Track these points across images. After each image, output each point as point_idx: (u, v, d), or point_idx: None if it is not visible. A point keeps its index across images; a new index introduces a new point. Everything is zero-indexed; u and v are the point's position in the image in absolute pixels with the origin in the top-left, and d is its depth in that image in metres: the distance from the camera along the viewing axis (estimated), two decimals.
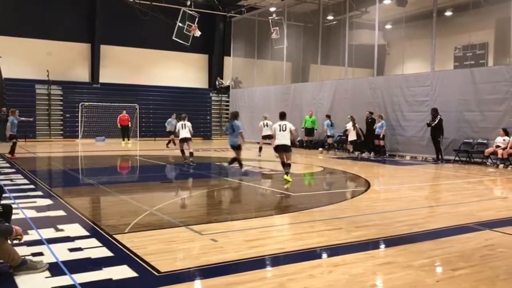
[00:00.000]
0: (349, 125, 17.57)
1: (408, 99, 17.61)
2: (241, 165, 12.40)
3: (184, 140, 14.35)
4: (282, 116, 11.41)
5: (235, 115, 12.52)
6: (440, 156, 16.00)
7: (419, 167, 14.90)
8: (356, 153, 17.72)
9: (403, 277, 4.36)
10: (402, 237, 5.86)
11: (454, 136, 16.06)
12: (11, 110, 15.99)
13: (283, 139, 11.00)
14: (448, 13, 23.94)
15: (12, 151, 15.38)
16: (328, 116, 19.98)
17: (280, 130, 11.07)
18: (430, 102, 16.73)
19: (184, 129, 14.29)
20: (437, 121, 15.73)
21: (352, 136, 17.62)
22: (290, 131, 11.07)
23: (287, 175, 10.86)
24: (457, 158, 15.79)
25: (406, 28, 22.11)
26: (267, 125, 15.91)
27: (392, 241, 5.65)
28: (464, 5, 21.89)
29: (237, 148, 12.22)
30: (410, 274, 4.44)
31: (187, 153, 14.41)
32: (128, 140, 24.31)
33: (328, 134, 19.96)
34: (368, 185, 10.57)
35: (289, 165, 11.02)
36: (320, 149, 20.13)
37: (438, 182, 11.78)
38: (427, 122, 16.23)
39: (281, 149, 11.11)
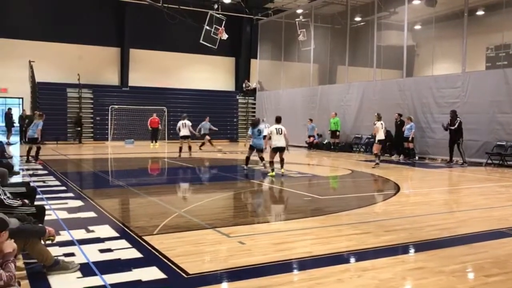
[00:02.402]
0: (378, 123, 15.17)
1: (438, 100, 17.28)
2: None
3: (184, 137, 16.72)
4: (278, 120, 12.69)
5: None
6: (463, 159, 15.69)
7: (449, 170, 14.59)
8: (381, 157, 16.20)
9: (434, 283, 4.27)
10: (432, 241, 5.75)
11: (486, 139, 15.66)
12: (39, 114, 15.56)
13: (280, 142, 12.19)
14: (480, 12, 23.40)
15: (37, 156, 14.92)
16: (311, 120, 22.27)
17: (277, 133, 12.23)
18: (461, 104, 16.37)
19: (185, 128, 16.55)
20: (457, 124, 15.43)
21: (380, 135, 15.41)
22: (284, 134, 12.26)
23: (282, 169, 12.37)
24: (489, 161, 15.40)
25: (436, 28, 21.71)
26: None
27: (422, 246, 5.54)
28: (497, 4, 21.37)
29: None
30: (442, 280, 4.34)
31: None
32: (156, 142, 24.65)
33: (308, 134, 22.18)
34: (397, 188, 10.40)
35: (283, 160, 12.44)
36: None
37: (469, 185, 11.51)
38: (445, 126, 15.83)
39: (277, 150, 12.33)
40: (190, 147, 17.14)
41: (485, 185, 11.46)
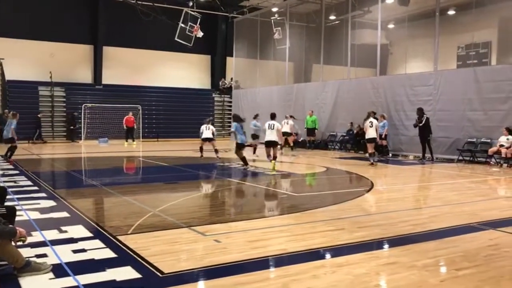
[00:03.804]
0: (367, 122, 15.05)
1: (411, 98, 17.58)
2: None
3: (205, 140, 16.17)
4: (272, 117, 13.63)
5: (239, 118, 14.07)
6: (431, 155, 16.11)
7: (422, 167, 14.87)
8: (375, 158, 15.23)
9: (407, 277, 4.35)
10: (405, 237, 5.85)
11: (457, 136, 16.03)
12: (12, 113, 15.42)
13: (270, 136, 13.13)
14: (451, 12, 23.89)
15: (10, 155, 14.78)
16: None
17: (268, 128, 13.20)
18: (433, 102, 16.70)
19: (208, 130, 16.13)
20: (424, 121, 15.79)
21: (369, 134, 14.80)
22: (277, 130, 13.25)
23: (274, 164, 13.00)
24: (460, 158, 15.76)
25: (408, 27, 22.09)
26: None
27: (395, 241, 5.64)
28: (467, 4, 21.86)
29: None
30: (414, 274, 4.43)
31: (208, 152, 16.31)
32: (133, 141, 24.38)
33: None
34: (371, 185, 10.54)
35: (275, 157, 13.22)
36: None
37: (441, 181, 11.75)
38: (413, 124, 16.25)
39: (268, 144, 13.21)
40: (216, 150, 16.03)
41: (456, 181, 11.71)
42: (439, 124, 16.43)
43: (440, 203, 8.53)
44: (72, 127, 25.55)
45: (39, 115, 24.76)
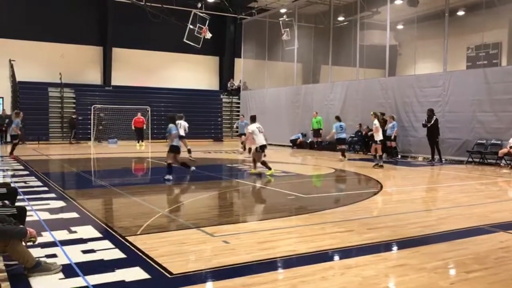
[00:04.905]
0: (376, 122, 14.55)
1: (420, 99, 17.48)
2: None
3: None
4: (255, 119, 12.80)
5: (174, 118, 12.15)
6: (439, 157, 16.03)
7: (431, 168, 14.77)
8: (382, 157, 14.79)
9: (416, 280, 4.32)
10: (415, 239, 5.82)
11: (467, 137, 15.92)
12: (15, 112, 16.57)
13: (264, 140, 12.31)
14: (461, 13, 23.76)
15: (11, 151, 16.00)
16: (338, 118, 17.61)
17: (260, 132, 12.28)
18: (443, 103, 16.60)
19: (180, 128, 15.00)
20: (433, 121, 15.70)
21: (380, 136, 14.55)
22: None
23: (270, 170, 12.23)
24: (470, 159, 15.64)
25: (417, 28, 21.97)
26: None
27: (404, 243, 5.61)
28: (477, 5, 21.71)
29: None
30: (424, 277, 4.40)
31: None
32: (142, 142, 24.48)
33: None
34: (380, 186, 10.50)
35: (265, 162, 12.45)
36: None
37: (451, 183, 11.68)
38: (422, 123, 16.19)
39: (264, 148, 12.35)
40: (189, 149, 15.43)
41: (465, 182, 11.63)
42: (449, 125, 16.33)
43: (449, 205, 8.47)
44: (100, 127, 26.02)
45: (73, 116, 25.44)
